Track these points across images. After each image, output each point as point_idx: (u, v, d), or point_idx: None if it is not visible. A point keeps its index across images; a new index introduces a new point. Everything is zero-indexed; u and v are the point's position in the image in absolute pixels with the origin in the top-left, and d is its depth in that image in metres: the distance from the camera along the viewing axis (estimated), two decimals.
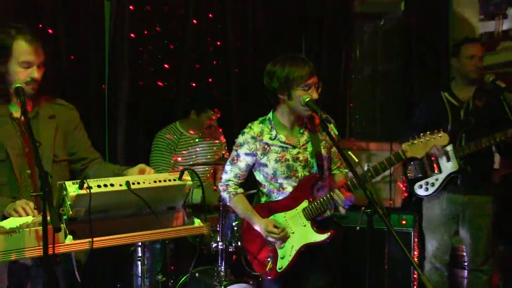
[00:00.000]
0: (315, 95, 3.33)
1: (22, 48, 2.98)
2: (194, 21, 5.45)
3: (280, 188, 3.52)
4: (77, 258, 2.97)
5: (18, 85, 2.92)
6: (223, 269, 4.28)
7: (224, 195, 3.65)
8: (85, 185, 2.59)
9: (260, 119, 3.61)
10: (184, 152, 4.90)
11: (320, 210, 3.43)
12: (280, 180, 3.50)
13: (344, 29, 6.05)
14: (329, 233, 3.40)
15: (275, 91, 3.41)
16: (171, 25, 5.36)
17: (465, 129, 4.39)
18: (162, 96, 5.36)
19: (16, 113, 3.09)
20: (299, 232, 3.45)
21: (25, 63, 2.98)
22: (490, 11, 5.74)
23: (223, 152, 5.05)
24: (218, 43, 5.61)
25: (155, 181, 2.82)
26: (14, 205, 2.81)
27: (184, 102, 5.26)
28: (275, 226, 3.44)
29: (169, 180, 2.86)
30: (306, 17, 5.95)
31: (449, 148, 4.39)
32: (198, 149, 4.96)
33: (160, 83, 5.35)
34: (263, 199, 3.65)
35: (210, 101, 4.94)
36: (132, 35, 5.16)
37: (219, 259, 4.30)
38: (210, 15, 5.55)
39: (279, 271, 3.44)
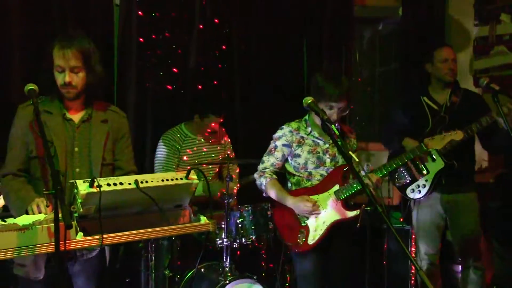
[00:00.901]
0: (334, 117, 3.61)
1: (55, 54, 3.05)
2: (200, 26, 5.44)
3: (309, 176, 3.82)
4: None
5: (31, 87, 2.95)
6: (227, 265, 4.27)
7: (261, 180, 3.86)
8: (95, 184, 2.60)
9: (297, 120, 3.91)
10: (189, 151, 4.88)
11: (351, 191, 3.68)
12: (309, 170, 3.81)
13: (344, 33, 6.03)
14: (358, 211, 3.70)
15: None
16: (178, 30, 5.35)
17: (441, 126, 4.33)
18: (168, 98, 5.35)
19: (68, 114, 3.16)
20: (331, 209, 3.73)
21: (58, 68, 3.06)
22: (485, 17, 5.76)
23: (228, 152, 5.03)
24: (223, 47, 5.60)
25: (162, 180, 2.82)
26: (31, 203, 2.86)
27: (189, 105, 5.24)
28: (307, 201, 3.69)
29: (176, 179, 2.85)
30: (307, 22, 5.94)
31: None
32: (205, 149, 4.95)
33: (168, 86, 5.35)
34: (293, 188, 3.90)
35: (213, 106, 4.92)
36: (140, 39, 5.16)
37: (224, 255, 4.28)
38: (216, 20, 5.54)
39: (310, 243, 3.69)
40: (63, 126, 3.11)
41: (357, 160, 3.18)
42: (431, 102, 4.50)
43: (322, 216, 3.73)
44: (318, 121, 3.70)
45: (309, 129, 3.83)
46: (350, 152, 3.14)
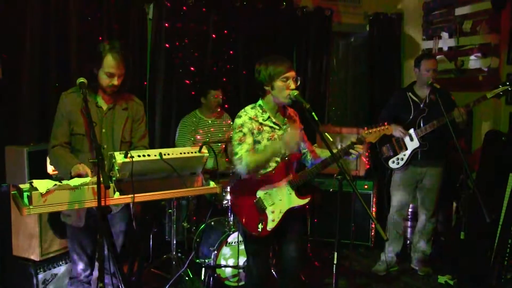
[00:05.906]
0: (293, 86, 3.12)
1: (109, 62, 3.02)
2: (213, 35, 5.40)
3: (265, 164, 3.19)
4: (134, 212, 3.03)
5: (82, 80, 2.92)
6: (231, 220, 4.28)
7: (241, 164, 3.08)
8: (129, 155, 2.62)
9: (251, 106, 3.26)
10: (201, 131, 4.87)
11: (302, 180, 3.26)
12: None
13: (325, 43, 6.00)
14: (308, 198, 3.28)
15: (262, 84, 3.18)
16: (196, 38, 5.30)
17: (421, 116, 4.42)
18: (187, 90, 5.32)
19: (100, 102, 3.16)
20: (286, 198, 3.23)
21: (108, 74, 3.04)
22: (430, 34, 5.83)
23: (231, 132, 4.98)
24: (231, 52, 5.56)
25: (181, 153, 2.84)
26: (75, 166, 2.86)
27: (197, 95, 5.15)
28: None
29: (191, 152, 2.88)
30: (296, 34, 5.90)
31: (411, 131, 4.44)
32: (212, 129, 4.92)
33: (187, 81, 5.32)
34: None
35: (210, 83, 4.95)
36: (167, 45, 5.13)
37: (229, 212, 4.29)
38: (225, 31, 5.49)
39: (269, 230, 3.17)
40: (96, 112, 3.12)
41: (331, 140, 3.08)
42: (415, 97, 4.49)
43: (279, 205, 3.19)
44: (270, 106, 3.22)
45: (266, 115, 3.19)
46: (326, 134, 3.06)
